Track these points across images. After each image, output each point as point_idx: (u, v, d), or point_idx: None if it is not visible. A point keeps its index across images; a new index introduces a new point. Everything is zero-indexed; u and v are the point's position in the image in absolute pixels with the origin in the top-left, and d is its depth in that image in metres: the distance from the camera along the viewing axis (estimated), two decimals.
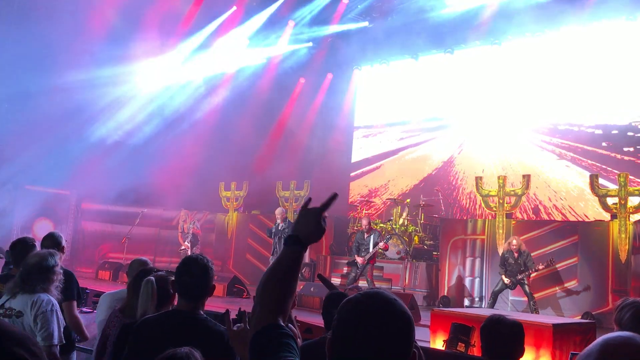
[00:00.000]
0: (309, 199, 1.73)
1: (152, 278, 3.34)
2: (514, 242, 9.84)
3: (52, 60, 13.33)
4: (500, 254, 10.28)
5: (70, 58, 13.64)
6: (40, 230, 14.17)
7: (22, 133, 13.43)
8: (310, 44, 17.96)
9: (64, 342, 3.53)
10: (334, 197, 1.68)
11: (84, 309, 7.68)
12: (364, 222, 10.97)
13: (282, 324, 1.56)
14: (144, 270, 3.57)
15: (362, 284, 10.91)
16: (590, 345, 1.17)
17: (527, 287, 9.64)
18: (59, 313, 3.48)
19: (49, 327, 3.35)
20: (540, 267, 9.63)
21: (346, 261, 11.87)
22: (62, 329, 3.46)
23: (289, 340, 1.52)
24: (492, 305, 9.91)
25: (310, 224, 1.66)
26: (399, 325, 1.33)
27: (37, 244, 4.27)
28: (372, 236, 10.57)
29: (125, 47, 14.30)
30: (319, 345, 1.39)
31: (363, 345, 1.30)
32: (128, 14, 14.20)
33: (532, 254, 9.90)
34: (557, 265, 10.44)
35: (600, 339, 1.17)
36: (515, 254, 9.74)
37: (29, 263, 3.54)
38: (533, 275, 9.83)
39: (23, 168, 13.88)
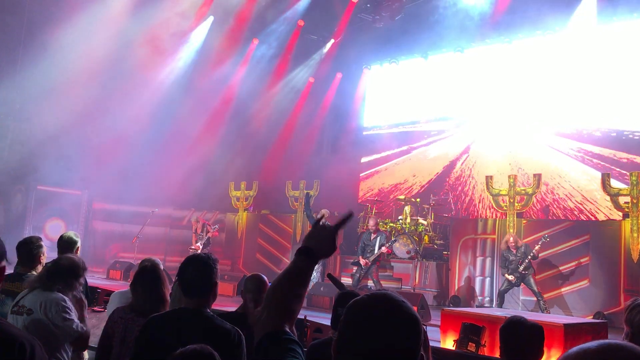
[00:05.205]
0: (322, 216, 1.78)
1: None
2: (511, 239, 9.94)
3: None
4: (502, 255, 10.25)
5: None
6: (52, 230, 14.28)
7: (35, 133, 13.55)
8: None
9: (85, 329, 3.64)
10: (349, 216, 1.75)
11: (95, 308, 7.76)
12: (371, 222, 10.96)
13: (288, 330, 1.59)
14: (144, 267, 3.62)
15: (370, 284, 10.91)
16: None
17: (533, 285, 9.61)
18: (72, 307, 3.57)
19: (70, 318, 3.50)
20: (537, 247, 9.69)
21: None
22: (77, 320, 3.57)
23: (294, 346, 1.54)
24: (500, 305, 9.88)
25: (325, 239, 1.70)
26: (406, 328, 1.30)
27: (45, 244, 4.30)
28: (378, 238, 10.57)
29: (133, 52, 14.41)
30: (328, 345, 1.39)
31: (368, 347, 1.27)
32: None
33: (542, 254, 9.85)
34: (569, 265, 10.38)
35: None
36: (514, 250, 9.82)
37: (60, 264, 3.64)
38: (540, 275, 9.76)
39: (35, 169, 14.01)
